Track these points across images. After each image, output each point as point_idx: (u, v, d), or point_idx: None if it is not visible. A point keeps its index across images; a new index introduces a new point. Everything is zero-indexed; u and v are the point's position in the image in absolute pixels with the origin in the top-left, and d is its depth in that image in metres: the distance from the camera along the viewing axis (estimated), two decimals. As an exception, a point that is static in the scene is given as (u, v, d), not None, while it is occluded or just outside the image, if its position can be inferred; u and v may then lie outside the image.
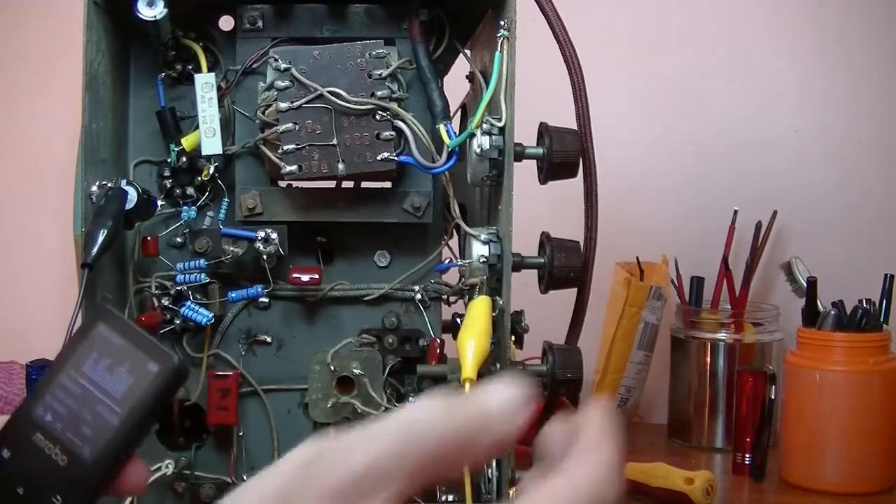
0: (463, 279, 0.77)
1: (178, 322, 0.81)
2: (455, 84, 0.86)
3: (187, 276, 0.80)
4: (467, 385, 0.67)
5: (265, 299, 0.83)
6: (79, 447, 0.42)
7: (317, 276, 0.81)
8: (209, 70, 0.82)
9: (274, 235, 0.79)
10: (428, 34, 0.81)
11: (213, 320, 0.81)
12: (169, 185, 0.83)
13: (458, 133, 0.76)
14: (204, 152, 0.80)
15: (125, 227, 0.77)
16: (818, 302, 1.13)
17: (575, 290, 0.80)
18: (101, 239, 0.73)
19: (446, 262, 0.83)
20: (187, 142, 0.81)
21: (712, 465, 1.18)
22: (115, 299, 0.81)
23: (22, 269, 1.46)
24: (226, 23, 0.84)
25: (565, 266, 0.77)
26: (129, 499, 0.75)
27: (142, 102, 0.84)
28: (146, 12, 0.77)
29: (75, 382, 0.43)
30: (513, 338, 0.77)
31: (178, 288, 0.81)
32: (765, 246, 1.30)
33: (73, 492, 0.42)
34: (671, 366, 1.29)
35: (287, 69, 0.76)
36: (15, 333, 1.41)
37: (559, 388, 0.77)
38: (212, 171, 0.82)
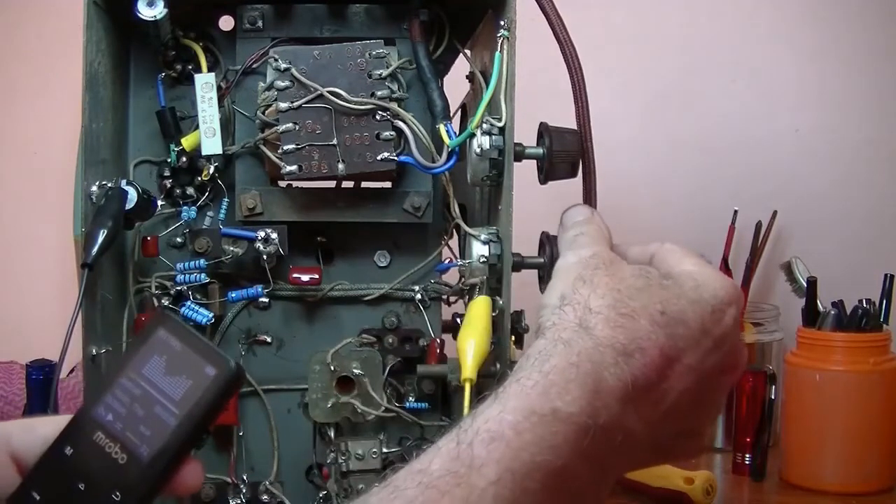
0: (463, 279, 0.77)
1: (178, 322, 0.81)
2: (455, 84, 0.86)
3: (187, 276, 0.80)
4: (467, 385, 0.67)
5: (265, 299, 0.83)
6: (137, 446, 0.44)
7: (317, 276, 0.81)
8: (209, 70, 0.82)
9: (274, 235, 0.79)
10: (428, 34, 0.81)
11: (213, 320, 0.81)
12: (169, 185, 0.83)
13: (458, 133, 0.76)
14: (204, 152, 0.80)
15: (125, 227, 0.77)
16: (818, 302, 1.13)
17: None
18: (101, 239, 0.73)
19: (446, 262, 0.83)
20: (187, 142, 0.81)
21: (712, 465, 1.18)
22: (115, 299, 0.81)
23: (22, 269, 1.46)
24: (226, 23, 0.84)
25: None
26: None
27: (142, 102, 0.84)
28: (146, 12, 0.77)
29: (135, 384, 0.45)
30: (513, 338, 0.77)
31: (178, 288, 0.81)
32: (765, 246, 1.30)
33: (132, 489, 0.43)
34: (671, 366, 1.29)
35: (287, 69, 0.76)
36: (15, 333, 1.41)
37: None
38: (212, 171, 0.82)
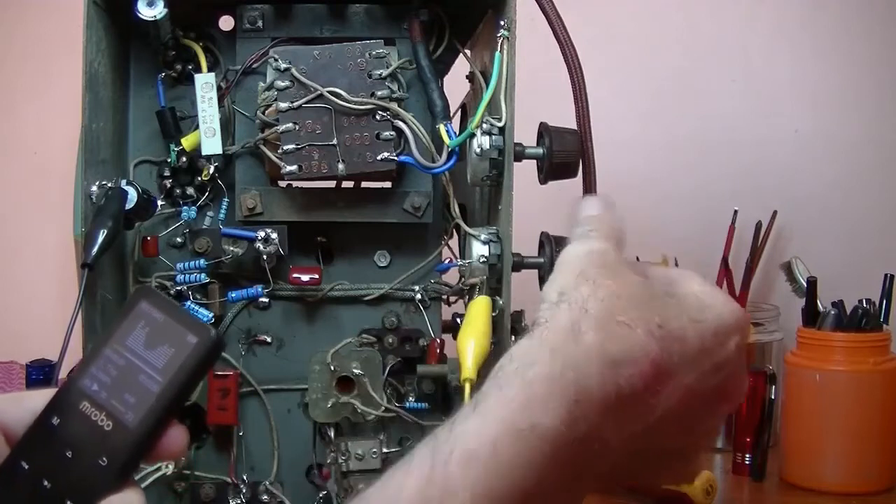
0: (463, 279, 0.77)
1: (178, 322, 0.81)
2: (455, 84, 0.86)
3: (187, 276, 0.81)
4: (467, 385, 0.67)
5: (265, 299, 0.83)
6: (122, 413, 0.45)
7: (317, 276, 0.81)
8: (209, 70, 0.82)
9: (274, 235, 0.79)
10: (428, 34, 0.81)
11: (213, 320, 0.81)
12: (169, 185, 0.83)
13: (458, 133, 0.76)
14: (204, 152, 0.80)
15: (125, 227, 0.77)
16: (818, 302, 1.13)
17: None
18: (101, 239, 0.73)
19: (446, 262, 0.83)
20: (187, 142, 0.81)
21: (712, 465, 1.18)
22: (115, 299, 0.81)
23: (22, 269, 1.46)
24: (226, 23, 0.84)
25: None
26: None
27: (142, 102, 0.84)
28: (146, 12, 0.77)
29: (119, 355, 0.46)
30: (513, 338, 0.77)
31: (178, 288, 0.81)
32: (765, 246, 1.31)
33: (118, 454, 0.45)
34: (671, 366, 1.29)
35: (287, 69, 0.76)
36: (15, 333, 1.41)
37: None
38: (212, 171, 0.82)
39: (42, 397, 0.47)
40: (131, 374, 0.46)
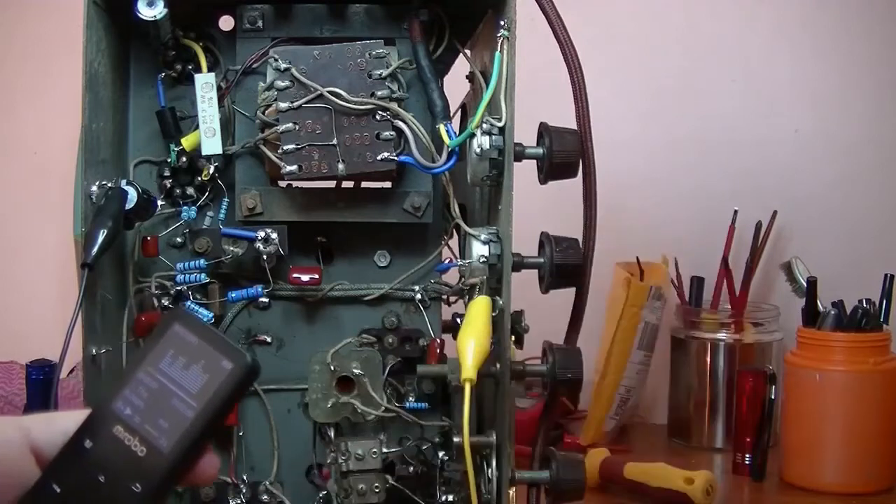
0: (463, 279, 0.77)
1: (178, 322, 0.81)
2: (455, 84, 0.86)
3: (187, 276, 0.80)
4: (467, 385, 0.67)
5: (265, 299, 0.83)
6: (156, 438, 0.44)
7: (317, 276, 0.81)
8: (209, 70, 0.82)
9: (274, 235, 0.79)
10: (428, 34, 0.81)
11: (213, 320, 0.81)
12: (169, 185, 0.83)
13: (458, 133, 0.76)
14: (204, 152, 0.80)
15: (125, 227, 0.77)
16: (818, 302, 1.13)
17: (574, 289, 0.80)
18: (101, 239, 0.73)
19: (446, 262, 0.83)
20: (187, 142, 0.81)
21: (712, 465, 1.18)
22: (115, 299, 0.81)
23: (22, 269, 1.46)
24: (226, 23, 0.84)
25: (566, 254, 0.77)
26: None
27: (142, 102, 0.84)
28: (146, 12, 0.77)
29: (153, 378, 0.46)
30: (513, 338, 0.77)
31: (178, 288, 0.81)
32: (765, 246, 1.31)
33: (152, 480, 0.44)
34: (671, 366, 1.29)
35: (287, 69, 0.76)
36: (15, 333, 1.41)
37: (559, 388, 0.77)
38: (212, 171, 0.82)
39: (74, 419, 0.46)
40: (165, 399, 0.45)
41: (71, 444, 0.45)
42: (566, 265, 0.76)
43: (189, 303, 0.81)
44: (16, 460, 0.45)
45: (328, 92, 0.75)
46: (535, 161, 0.77)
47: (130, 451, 0.44)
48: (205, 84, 0.80)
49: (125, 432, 0.45)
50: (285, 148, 0.76)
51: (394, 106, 0.76)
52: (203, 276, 0.81)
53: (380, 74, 0.76)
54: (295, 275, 0.81)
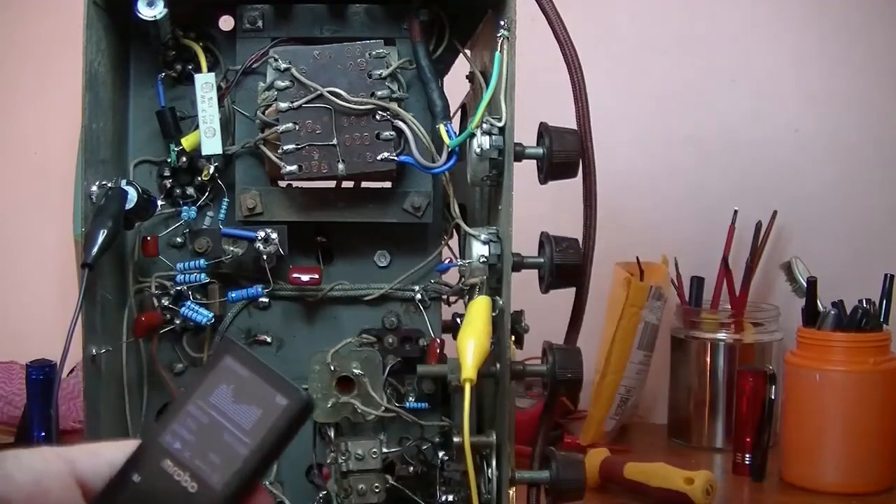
0: (463, 279, 0.77)
1: (177, 322, 0.81)
2: (455, 84, 0.86)
3: (187, 276, 0.80)
4: (467, 385, 0.67)
5: (265, 299, 0.83)
6: (208, 475, 0.43)
7: (317, 276, 0.81)
8: (209, 70, 0.82)
9: (274, 235, 0.79)
10: (428, 34, 0.81)
11: (213, 320, 0.81)
12: (169, 185, 0.83)
13: (458, 133, 0.76)
14: (204, 152, 0.80)
15: (125, 227, 0.77)
16: (818, 302, 1.13)
17: (574, 289, 0.80)
18: (101, 239, 0.73)
19: (446, 262, 0.83)
20: (187, 142, 0.81)
21: (712, 465, 1.18)
22: (115, 299, 0.81)
23: (22, 269, 1.46)
24: (226, 23, 0.84)
25: (566, 254, 0.77)
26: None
27: (142, 102, 0.84)
28: (146, 12, 0.76)
29: (203, 412, 0.44)
30: (513, 338, 0.77)
31: (178, 288, 0.81)
32: (765, 246, 1.31)
33: None
34: (671, 366, 1.29)
35: (287, 69, 0.76)
36: (15, 333, 1.41)
37: (559, 388, 0.77)
38: (212, 171, 0.82)
39: (120, 450, 0.45)
40: (216, 434, 0.43)
41: (118, 478, 0.44)
42: (566, 265, 0.76)
43: (189, 302, 0.81)
44: (62, 494, 0.43)
45: (328, 92, 0.75)
46: (535, 161, 0.77)
47: (181, 486, 0.43)
48: (205, 84, 0.80)
49: (175, 467, 0.43)
50: (285, 148, 0.76)
51: (394, 106, 0.76)
52: (203, 276, 0.81)
53: (380, 74, 0.76)
54: (295, 275, 0.81)
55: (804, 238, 1.35)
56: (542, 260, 0.77)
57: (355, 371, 0.80)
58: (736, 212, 1.30)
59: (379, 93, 0.76)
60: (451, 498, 0.80)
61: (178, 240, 0.83)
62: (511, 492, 0.75)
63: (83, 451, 0.45)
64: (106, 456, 0.45)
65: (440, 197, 0.83)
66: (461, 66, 0.85)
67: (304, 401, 0.43)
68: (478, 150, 0.73)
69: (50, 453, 0.44)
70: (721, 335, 1.25)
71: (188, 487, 0.43)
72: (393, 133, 0.76)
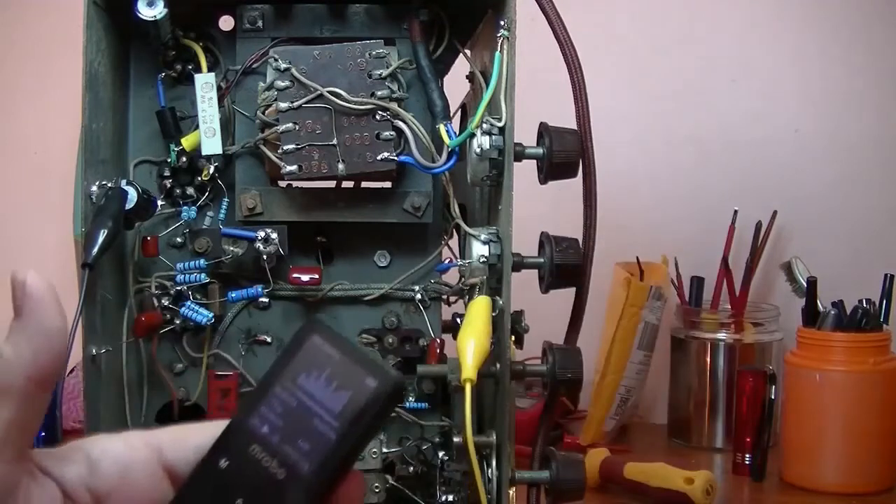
0: (463, 279, 0.77)
1: (178, 322, 0.81)
2: (455, 84, 0.86)
3: (187, 276, 0.80)
4: (467, 385, 0.67)
5: (265, 299, 0.83)
6: (296, 460, 0.41)
7: (317, 276, 0.81)
8: (209, 70, 0.82)
9: (274, 235, 0.79)
10: (428, 34, 0.81)
11: (213, 320, 0.80)
12: (169, 185, 0.83)
13: (458, 133, 0.76)
14: (204, 152, 0.80)
15: (125, 227, 0.77)
16: (818, 302, 1.13)
17: (574, 289, 0.80)
18: (101, 239, 0.73)
19: (446, 262, 0.83)
20: (187, 142, 0.81)
21: (712, 465, 1.18)
22: (115, 299, 0.81)
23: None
24: (226, 23, 0.84)
25: (566, 254, 0.77)
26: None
27: (142, 102, 0.84)
28: (146, 12, 0.76)
29: (291, 394, 0.42)
30: (513, 338, 0.77)
31: (178, 288, 0.81)
32: (765, 246, 1.31)
33: None
34: (671, 366, 1.29)
35: (287, 69, 0.76)
36: (15, 333, 1.40)
37: (559, 388, 0.77)
38: (212, 171, 0.82)
39: (206, 433, 0.43)
40: (304, 418, 0.41)
41: (205, 464, 0.42)
42: (566, 265, 0.76)
43: (189, 302, 0.81)
44: (149, 485, 0.42)
45: (328, 92, 0.75)
46: (535, 161, 0.77)
47: (269, 473, 0.41)
48: (205, 84, 0.80)
49: (263, 452, 0.41)
50: (285, 148, 0.76)
51: (394, 106, 0.76)
52: (203, 276, 0.81)
53: (380, 74, 0.76)
54: (295, 275, 0.81)
55: (804, 238, 1.35)
56: (542, 260, 0.77)
57: (355, 371, 0.80)
58: (736, 212, 1.30)
59: (379, 93, 0.76)
60: (451, 498, 0.80)
61: (178, 240, 0.83)
62: (511, 492, 0.75)
63: (169, 435, 0.43)
64: (193, 440, 0.43)
65: (440, 197, 0.83)
66: (461, 66, 0.85)
67: (395, 383, 0.40)
68: (478, 150, 0.73)
69: (137, 439, 0.42)
70: (721, 335, 1.25)
71: (276, 474, 0.41)
72: (393, 133, 0.76)
